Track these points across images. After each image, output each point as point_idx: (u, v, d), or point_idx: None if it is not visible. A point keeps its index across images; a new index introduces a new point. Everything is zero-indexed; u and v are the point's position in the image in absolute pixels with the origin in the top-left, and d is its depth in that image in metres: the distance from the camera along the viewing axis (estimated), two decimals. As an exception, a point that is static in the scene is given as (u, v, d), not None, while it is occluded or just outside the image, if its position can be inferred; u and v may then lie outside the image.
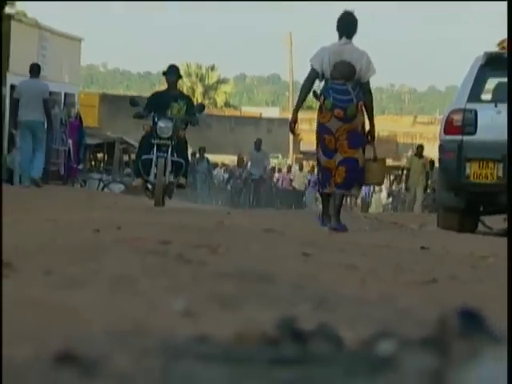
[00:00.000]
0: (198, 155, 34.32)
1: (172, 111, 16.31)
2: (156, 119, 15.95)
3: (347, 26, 12.14)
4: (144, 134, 17.54)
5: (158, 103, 16.32)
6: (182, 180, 16.81)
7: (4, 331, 2.86)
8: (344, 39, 12.02)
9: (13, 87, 26.59)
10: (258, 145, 32.53)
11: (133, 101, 16.96)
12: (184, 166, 16.58)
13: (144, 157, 15.85)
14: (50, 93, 24.34)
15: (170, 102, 16.23)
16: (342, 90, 11.70)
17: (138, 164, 16.68)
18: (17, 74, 27.98)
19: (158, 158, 15.83)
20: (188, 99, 16.99)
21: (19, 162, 23.84)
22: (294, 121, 12.57)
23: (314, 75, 11.99)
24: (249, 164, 33.94)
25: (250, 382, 2.42)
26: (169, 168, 15.90)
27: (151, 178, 16.06)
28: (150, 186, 16.72)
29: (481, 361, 2.41)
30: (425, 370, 2.48)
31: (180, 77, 17.00)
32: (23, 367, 2.38)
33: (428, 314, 3.33)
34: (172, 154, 16.06)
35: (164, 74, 17.03)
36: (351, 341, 2.82)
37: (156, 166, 15.89)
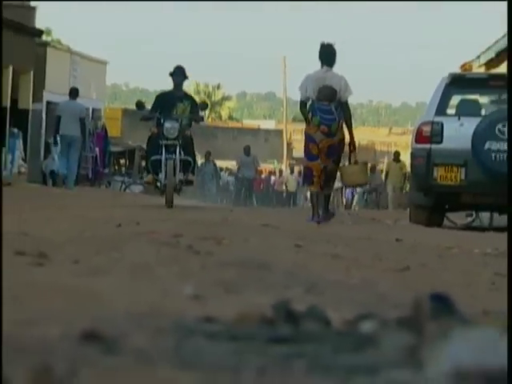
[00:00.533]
0: (204, 159, 34.05)
1: (177, 111, 15.20)
2: (162, 120, 14.89)
3: (328, 56, 12.84)
4: (150, 135, 16.38)
5: (164, 104, 15.22)
6: (191, 177, 15.75)
7: (37, 313, 2.84)
8: (325, 67, 12.74)
9: (48, 103, 30.07)
10: (247, 150, 33.50)
11: (139, 104, 15.94)
12: (192, 163, 15.55)
13: (153, 157, 14.95)
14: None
15: (176, 103, 15.21)
16: (327, 110, 12.47)
17: (147, 165, 15.91)
18: (52, 92, 30.39)
19: (166, 159, 14.78)
20: (192, 99, 15.92)
21: (57, 168, 25.62)
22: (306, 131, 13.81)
23: (303, 101, 12.97)
24: (241, 168, 34.53)
25: (250, 357, 2.33)
26: (178, 168, 14.94)
27: (161, 177, 15.10)
28: (159, 184, 15.77)
29: (450, 340, 2.38)
30: (401, 347, 2.47)
31: (186, 77, 15.86)
32: (53, 345, 2.33)
33: (403, 298, 3.38)
34: (180, 154, 14.98)
35: (171, 75, 15.64)
36: (337, 321, 2.82)
37: (166, 166, 14.90)
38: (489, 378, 2.08)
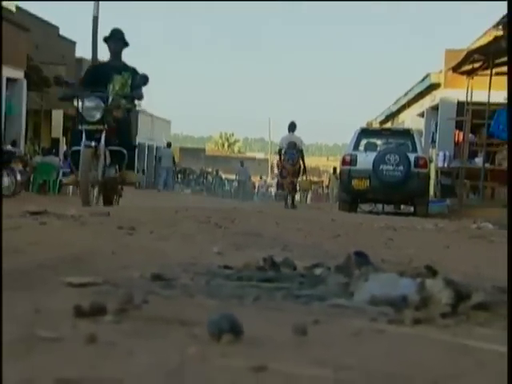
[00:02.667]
0: (215, 174, 34.56)
1: (115, 86, 8.02)
2: (82, 98, 7.77)
3: (292, 127, 15.42)
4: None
5: (96, 78, 8.13)
6: (129, 175, 8.28)
7: (127, 262, 2.91)
8: (291, 133, 15.48)
9: (141, 146, 32.66)
10: (242, 164, 36.98)
11: (57, 80, 8.62)
12: (126, 155, 7.98)
13: (74, 148, 7.92)
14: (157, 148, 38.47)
15: (112, 75, 8.13)
16: (292, 153, 15.12)
17: (70, 159, 8.49)
18: (141, 139, 32.10)
19: (84, 147, 7.57)
20: (134, 70, 8.21)
21: (162, 181, 30.87)
22: (277, 163, 16.57)
23: (280, 148, 15.67)
24: (238, 173, 36.51)
25: (250, 290, 2.42)
26: (102, 160, 7.69)
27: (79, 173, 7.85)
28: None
29: (367, 280, 2.40)
30: (339, 284, 2.55)
31: (126, 44, 8.34)
32: (134, 282, 2.40)
33: (338, 254, 3.56)
34: (109, 142, 7.75)
35: (105, 40, 8.40)
36: (300, 267, 2.96)
37: (83, 156, 7.53)
38: (390, 303, 2.25)
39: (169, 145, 31.06)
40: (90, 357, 1.34)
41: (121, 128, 8.04)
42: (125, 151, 7.93)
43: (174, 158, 31.21)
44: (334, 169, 30.87)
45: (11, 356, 1.31)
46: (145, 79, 8.10)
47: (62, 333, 1.53)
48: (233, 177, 42.63)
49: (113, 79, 8.13)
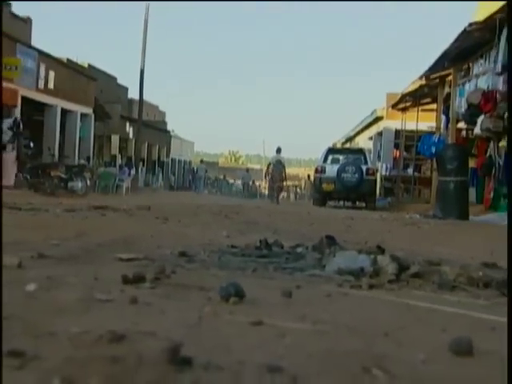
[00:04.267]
0: (223, 178, 33.83)
1: None
2: None
3: (278, 150, 15.25)
4: None
5: None
6: None
7: (161, 243, 2.76)
8: (278, 154, 15.34)
9: (172, 159, 32.09)
10: (247, 170, 35.55)
11: None
12: None
13: None
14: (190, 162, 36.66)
15: None
16: (279, 167, 15.08)
17: None
18: (173, 155, 31.90)
19: None
20: None
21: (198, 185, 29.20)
22: (266, 173, 16.82)
23: (269, 163, 15.78)
24: (243, 178, 34.83)
25: (250, 263, 2.35)
26: None
27: None
28: None
29: (335, 256, 2.34)
30: (315, 259, 2.47)
31: None
32: (166, 257, 2.34)
33: (313, 237, 3.44)
34: None
35: None
36: (286, 246, 2.87)
37: None
38: (351, 273, 2.18)
39: (201, 161, 32.51)
40: (132, 314, 1.30)
41: None
42: None
43: (206, 169, 32.52)
44: (309, 176, 30.65)
45: (75, 312, 1.27)
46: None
47: (112, 295, 1.50)
48: (237, 181, 41.70)
49: None
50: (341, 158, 14.35)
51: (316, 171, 13.90)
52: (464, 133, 11.62)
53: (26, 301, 1.38)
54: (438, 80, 11.94)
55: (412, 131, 15.63)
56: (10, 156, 8.21)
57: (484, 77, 8.79)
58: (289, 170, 17.58)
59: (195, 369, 0.85)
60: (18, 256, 1.97)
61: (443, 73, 11.18)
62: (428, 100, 14.19)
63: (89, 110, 18.52)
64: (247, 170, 37.77)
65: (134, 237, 2.96)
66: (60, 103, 15.95)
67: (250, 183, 36.64)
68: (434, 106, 13.83)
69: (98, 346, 0.96)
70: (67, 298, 1.42)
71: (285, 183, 17.61)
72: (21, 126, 8.46)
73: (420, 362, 0.97)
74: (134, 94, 25.14)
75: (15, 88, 12.92)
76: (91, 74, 19.88)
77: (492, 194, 8.87)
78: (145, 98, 20.35)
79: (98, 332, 1.03)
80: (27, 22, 16.23)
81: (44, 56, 14.71)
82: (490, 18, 7.76)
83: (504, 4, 7.47)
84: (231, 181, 39.40)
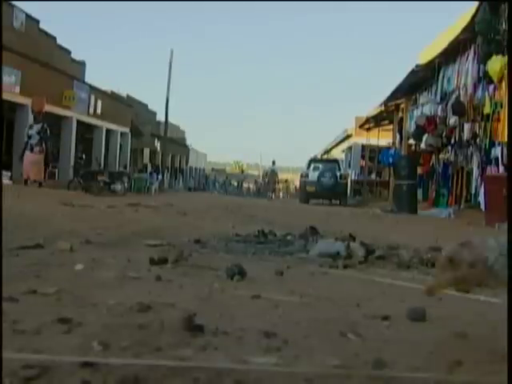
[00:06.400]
0: (228, 182, 33.09)
1: None
2: None
3: (273, 163, 16.48)
4: None
5: None
6: None
7: (181, 233, 2.70)
8: (273, 165, 16.45)
9: (190, 168, 29.99)
10: (247, 176, 30.61)
11: None
12: None
13: None
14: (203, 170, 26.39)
15: None
16: (273, 174, 16.20)
17: None
18: (191, 165, 30.31)
19: None
20: None
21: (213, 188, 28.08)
22: (263, 178, 18.61)
23: (266, 172, 17.13)
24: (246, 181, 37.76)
25: (250, 248, 2.27)
26: None
27: None
28: None
29: (317, 243, 2.29)
30: (301, 245, 2.40)
31: None
32: (184, 244, 2.25)
33: (300, 227, 3.29)
34: None
35: None
36: (279, 235, 2.74)
37: None
38: (330, 256, 2.13)
39: (212, 169, 33.89)
40: (156, 289, 1.27)
41: None
42: None
43: (215, 175, 32.76)
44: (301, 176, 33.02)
45: (112, 287, 1.24)
46: None
47: (141, 274, 1.46)
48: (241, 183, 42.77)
49: None
50: (320, 166, 14.42)
51: (301, 176, 14.14)
52: (413, 147, 11.90)
53: (75, 277, 1.35)
54: (393, 107, 12.43)
55: (374, 146, 16.05)
56: (38, 157, 7.77)
57: (427, 105, 8.96)
58: (280, 176, 18.20)
59: (206, 334, 0.83)
60: (70, 242, 1.94)
61: (397, 102, 11.71)
62: (386, 122, 14.53)
63: (126, 130, 18.92)
64: (246, 175, 37.86)
65: (160, 227, 2.90)
66: (105, 125, 16.52)
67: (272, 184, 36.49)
68: (390, 126, 14.23)
69: (129, 314, 0.94)
70: (106, 275, 1.40)
71: (277, 186, 18.31)
72: (47, 131, 7.96)
73: (385, 327, 0.95)
74: (160, 117, 25.61)
75: (72, 115, 13.45)
76: (129, 102, 20.29)
77: (434, 194, 8.95)
78: (169, 119, 20.39)
79: (129, 303, 1.01)
80: (82, 64, 16.84)
81: (94, 89, 15.24)
82: (431, 62, 8.14)
83: (442, 50, 7.63)
84: (235, 183, 39.55)
